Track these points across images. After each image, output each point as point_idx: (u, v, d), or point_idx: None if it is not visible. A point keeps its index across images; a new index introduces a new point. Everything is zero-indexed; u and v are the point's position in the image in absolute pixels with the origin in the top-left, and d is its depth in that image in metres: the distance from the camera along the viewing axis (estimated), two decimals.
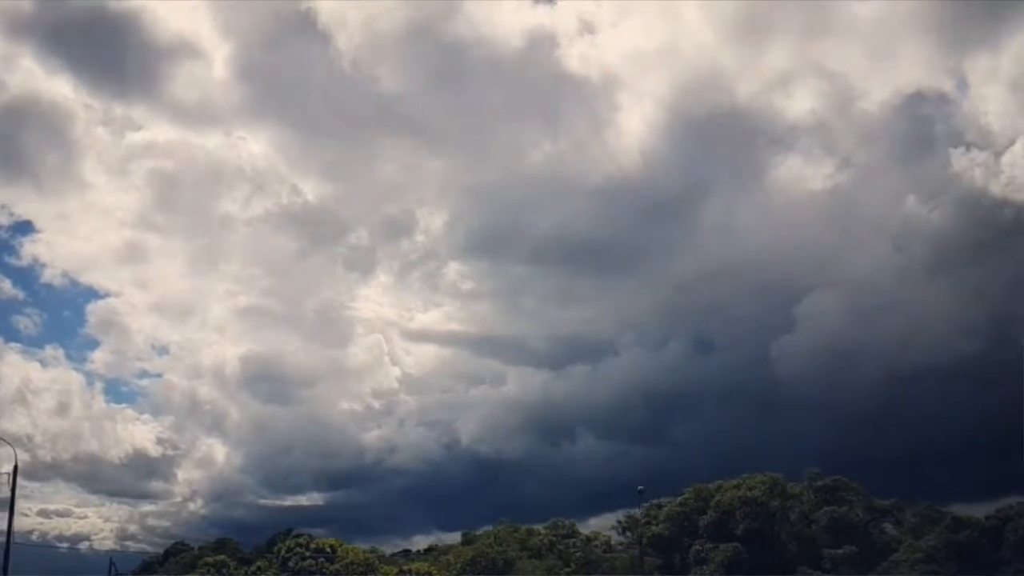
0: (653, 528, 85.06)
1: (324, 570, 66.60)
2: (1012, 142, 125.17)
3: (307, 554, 68.02)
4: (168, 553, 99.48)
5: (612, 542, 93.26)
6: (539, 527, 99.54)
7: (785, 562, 74.07)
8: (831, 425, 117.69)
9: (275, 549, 69.42)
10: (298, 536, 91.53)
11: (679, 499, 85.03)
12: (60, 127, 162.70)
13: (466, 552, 68.61)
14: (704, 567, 76.94)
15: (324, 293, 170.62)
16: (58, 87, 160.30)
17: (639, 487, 69.92)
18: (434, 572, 67.21)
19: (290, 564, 66.33)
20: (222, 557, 68.63)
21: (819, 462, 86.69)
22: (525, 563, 69.08)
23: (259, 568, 66.93)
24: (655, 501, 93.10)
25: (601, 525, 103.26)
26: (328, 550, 69.30)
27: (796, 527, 76.79)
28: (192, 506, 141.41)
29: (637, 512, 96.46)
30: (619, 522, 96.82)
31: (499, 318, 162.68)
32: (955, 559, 62.93)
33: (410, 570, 66.34)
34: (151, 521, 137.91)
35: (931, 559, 63.67)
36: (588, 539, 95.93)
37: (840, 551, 68.82)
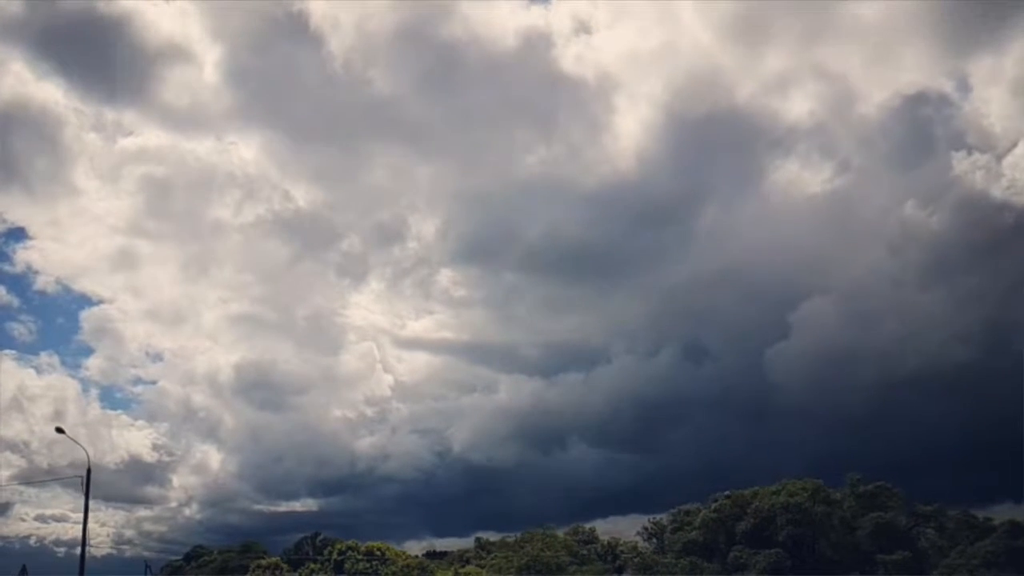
0: (687, 534, 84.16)
1: (378, 572, 64.66)
2: (1014, 144, 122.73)
3: (359, 557, 66.05)
4: (188, 557, 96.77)
5: (638, 547, 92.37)
6: (558, 532, 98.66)
7: (828, 568, 73.31)
8: (826, 432, 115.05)
9: (326, 552, 67.23)
10: (319, 537, 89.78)
11: (713, 505, 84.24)
12: (51, 132, 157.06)
13: (519, 556, 66.89)
14: (744, 573, 76.10)
15: (316, 300, 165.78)
16: (48, 92, 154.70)
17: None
18: (482, 574, 65.51)
19: (345, 566, 64.27)
20: (275, 559, 65.97)
21: (813, 469, 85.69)
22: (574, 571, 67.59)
23: (312, 571, 64.73)
24: (684, 507, 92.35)
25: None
26: (378, 553, 67.41)
27: (838, 533, 76.56)
28: (187, 511, 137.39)
29: (664, 518, 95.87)
30: (645, 528, 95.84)
31: (491, 325, 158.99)
32: (1015, 565, 63.08)
33: (467, 574, 64.56)
34: (147, 526, 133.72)
35: (990, 564, 62.50)
36: (610, 545, 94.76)
37: (893, 556, 68.25)
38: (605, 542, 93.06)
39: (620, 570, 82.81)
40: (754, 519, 77.40)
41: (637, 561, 74.87)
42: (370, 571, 63.45)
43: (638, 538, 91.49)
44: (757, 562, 74.21)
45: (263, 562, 64.94)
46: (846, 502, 77.26)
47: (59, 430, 45.82)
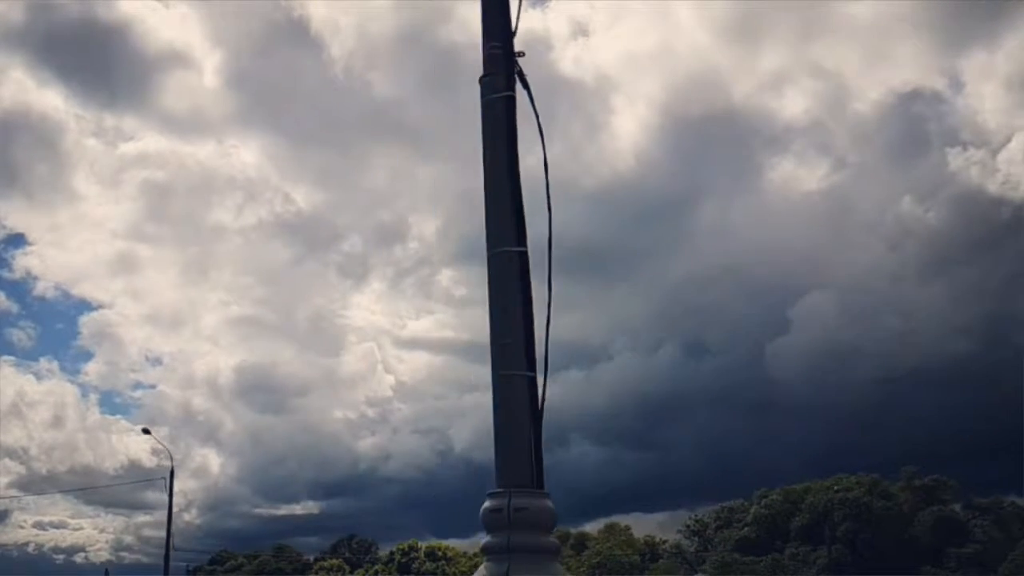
0: (737, 531, 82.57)
1: (445, 572, 62.29)
2: (1008, 140, 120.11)
3: (423, 558, 63.70)
4: (214, 561, 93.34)
5: (681, 546, 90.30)
6: (590, 530, 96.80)
7: (889, 564, 72.11)
8: (826, 427, 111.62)
9: (391, 552, 64.70)
10: (355, 539, 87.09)
11: (763, 501, 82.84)
12: (51, 138, 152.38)
13: (589, 554, 64.85)
14: (805, 570, 74.68)
15: (317, 301, 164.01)
16: (49, 98, 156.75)
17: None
18: None
19: (413, 567, 61.77)
20: (336, 561, 63.43)
21: (815, 464, 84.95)
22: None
23: (376, 572, 62.20)
24: (726, 504, 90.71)
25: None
26: (439, 553, 65.07)
27: (895, 527, 75.26)
28: (187, 516, 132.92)
29: (706, 515, 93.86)
30: (687, 525, 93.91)
31: None
32: None
33: None
34: (147, 532, 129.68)
35: None
36: (647, 543, 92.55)
37: (965, 550, 67.28)
38: (642, 540, 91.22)
39: (634, 569, 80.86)
40: (809, 515, 76.13)
41: (715, 559, 72.87)
42: (436, 571, 60.87)
43: (679, 535, 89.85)
44: (816, 559, 72.91)
45: (325, 563, 62.40)
46: (902, 496, 76.30)
47: (145, 431, 44.25)
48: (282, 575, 76.72)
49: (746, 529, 79.52)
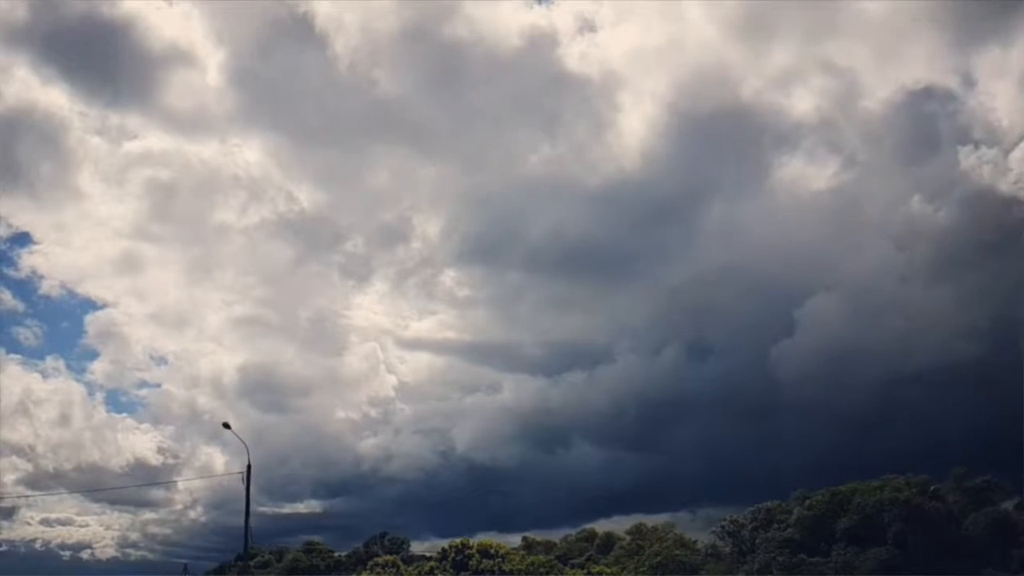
0: (780, 532, 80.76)
1: (501, 569, 60.33)
2: (1021, 139, 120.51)
3: (476, 555, 61.72)
4: (240, 557, 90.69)
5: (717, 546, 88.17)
6: (618, 531, 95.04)
7: (943, 564, 70.59)
8: (831, 429, 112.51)
9: (443, 549, 62.63)
10: (386, 536, 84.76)
11: (807, 502, 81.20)
12: (55, 137, 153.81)
13: (648, 556, 63.02)
14: (853, 572, 73.01)
15: (319, 302, 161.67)
16: (53, 97, 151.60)
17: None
18: (618, 573, 61.63)
19: (470, 564, 59.69)
20: (392, 558, 61.49)
21: (818, 466, 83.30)
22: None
23: (432, 568, 60.13)
24: (762, 505, 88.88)
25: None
26: (491, 551, 63.09)
27: (947, 528, 73.55)
28: (192, 514, 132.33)
29: (741, 516, 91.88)
30: (722, 526, 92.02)
31: (495, 325, 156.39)
32: None
33: (600, 572, 60.47)
34: (152, 529, 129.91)
35: None
36: (686, 543, 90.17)
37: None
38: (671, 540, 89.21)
39: (695, 570, 79.17)
40: (857, 516, 74.48)
41: (781, 560, 71.10)
42: (494, 568, 58.88)
43: (713, 536, 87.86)
44: (866, 560, 71.25)
45: (380, 560, 60.49)
46: (951, 496, 74.94)
47: (226, 426, 42.50)
48: (316, 572, 74.57)
49: (789, 530, 77.79)
